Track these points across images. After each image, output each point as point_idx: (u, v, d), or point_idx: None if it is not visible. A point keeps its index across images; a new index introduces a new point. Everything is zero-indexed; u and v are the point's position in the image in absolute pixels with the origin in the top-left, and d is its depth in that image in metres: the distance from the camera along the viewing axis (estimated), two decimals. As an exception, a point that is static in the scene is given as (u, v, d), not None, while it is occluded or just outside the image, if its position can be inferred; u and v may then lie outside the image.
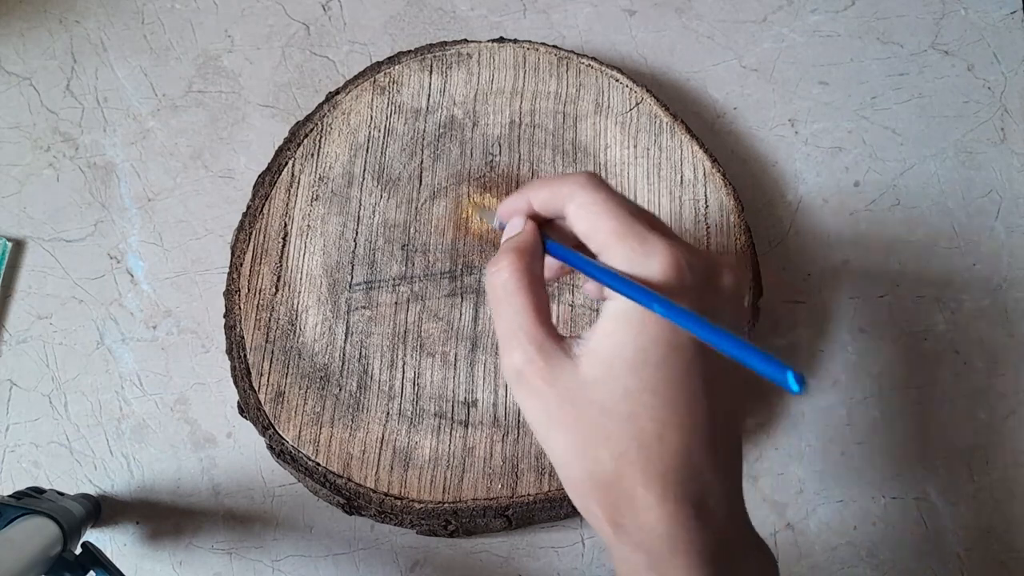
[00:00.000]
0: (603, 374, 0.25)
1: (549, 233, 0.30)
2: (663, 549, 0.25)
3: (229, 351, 0.43)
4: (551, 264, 0.32)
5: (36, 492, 0.40)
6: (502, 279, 0.28)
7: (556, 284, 0.44)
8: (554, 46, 0.49)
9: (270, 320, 0.43)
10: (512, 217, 0.31)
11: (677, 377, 0.25)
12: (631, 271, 0.25)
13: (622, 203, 0.27)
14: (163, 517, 0.43)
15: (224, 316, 0.44)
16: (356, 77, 0.48)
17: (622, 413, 0.25)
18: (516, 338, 0.27)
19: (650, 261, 0.25)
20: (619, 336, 0.25)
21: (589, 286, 0.32)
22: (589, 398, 0.26)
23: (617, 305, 0.25)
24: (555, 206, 0.29)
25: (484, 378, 0.42)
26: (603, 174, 0.46)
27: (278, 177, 0.46)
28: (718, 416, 0.26)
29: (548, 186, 0.29)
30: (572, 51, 0.48)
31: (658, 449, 0.25)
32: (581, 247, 0.29)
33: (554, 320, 0.43)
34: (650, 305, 0.24)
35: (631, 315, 0.25)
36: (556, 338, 0.27)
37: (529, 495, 0.40)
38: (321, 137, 0.47)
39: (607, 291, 0.26)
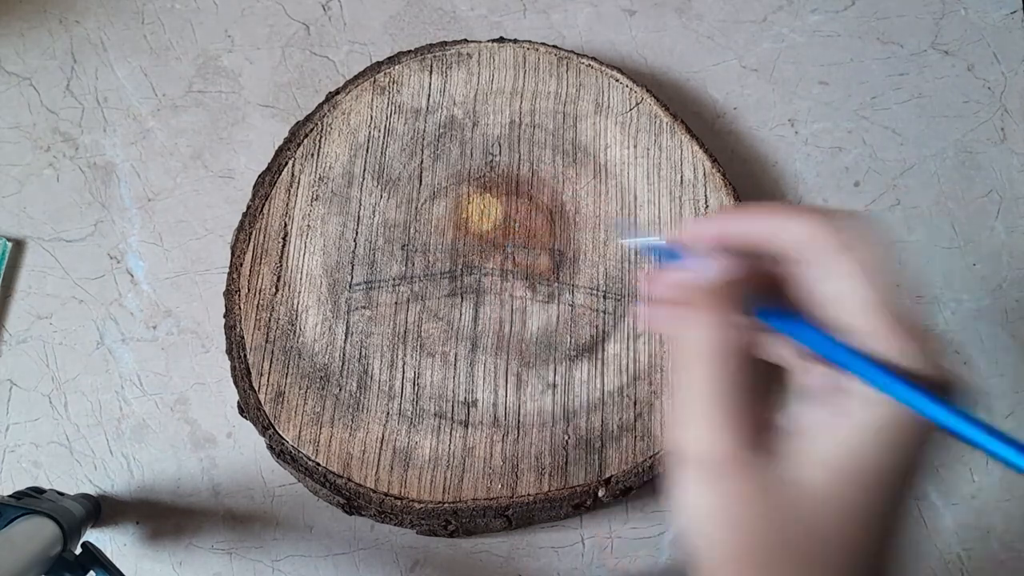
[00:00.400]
0: (823, 480, 0.21)
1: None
2: None
3: (229, 351, 0.43)
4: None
5: (36, 492, 0.40)
6: (716, 336, 0.22)
7: (557, 285, 0.44)
8: (554, 46, 0.49)
9: (270, 320, 0.43)
10: (701, 247, 0.24)
11: (896, 508, 0.22)
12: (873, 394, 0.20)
13: (881, 279, 0.21)
14: (163, 517, 0.43)
15: (224, 316, 0.44)
16: (356, 77, 0.48)
17: (830, 529, 0.21)
18: (716, 425, 0.21)
19: (907, 364, 0.20)
20: (868, 448, 0.20)
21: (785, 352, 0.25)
22: (818, 511, 0.21)
23: (865, 416, 0.20)
24: (772, 246, 0.22)
25: (484, 378, 0.42)
26: (603, 174, 0.46)
27: (278, 177, 0.46)
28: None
29: (769, 218, 0.22)
30: (572, 51, 0.48)
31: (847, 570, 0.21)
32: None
33: (553, 322, 0.43)
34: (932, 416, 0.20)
35: (881, 432, 0.20)
36: (759, 430, 0.21)
37: (529, 495, 0.40)
38: (321, 137, 0.47)
39: (834, 383, 0.21)
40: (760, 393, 0.22)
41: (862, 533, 0.21)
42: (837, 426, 0.21)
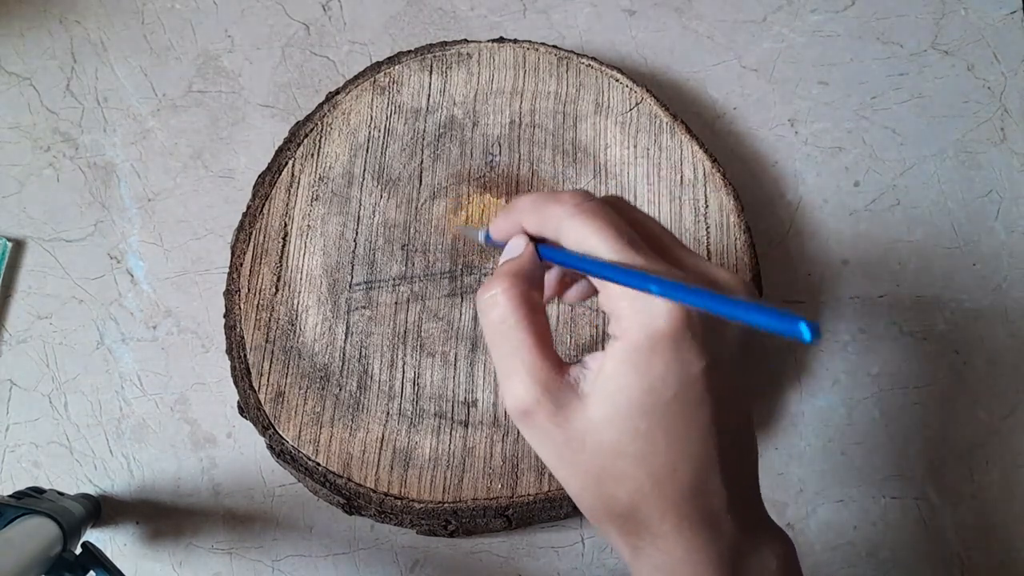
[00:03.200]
0: (612, 414, 0.25)
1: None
2: (681, 568, 0.26)
3: (229, 351, 0.43)
4: (549, 282, 0.30)
5: (36, 492, 0.40)
6: (499, 313, 0.26)
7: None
8: (554, 46, 0.49)
9: (270, 320, 0.43)
10: (508, 237, 0.29)
11: (689, 413, 0.25)
12: (636, 314, 0.24)
13: (618, 234, 0.25)
14: (163, 517, 0.43)
15: (224, 316, 0.44)
16: (356, 77, 0.48)
17: (634, 454, 0.25)
18: (518, 376, 0.26)
19: (654, 302, 0.24)
20: (627, 376, 0.24)
21: (571, 293, 0.31)
22: (599, 440, 0.25)
23: (622, 344, 0.25)
24: (548, 234, 0.27)
25: (484, 378, 0.42)
26: (603, 174, 0.46)
27: (278, 177, 0.46)
28: (730, 435, 0.26)
29: (537, 211, 0.27)
30: (572, 51, 0.48)
31: (672, 483, 0.25)
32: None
33: (553, 322, 0.43)
34: (646, 287, 0.24)
35: (638, 352, 0.24)
36: (560, 373, 0.26)
37: (529, 495, 0.40)
38: (321, 137, 0.47)
39: (610, 314, 0.25)
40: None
41: (648, 445, 0.25)
42: (610, 362, 0.25)
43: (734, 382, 0.26)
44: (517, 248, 0.28)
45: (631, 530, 0.26)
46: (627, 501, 0.26)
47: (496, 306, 0.26)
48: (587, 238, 0.25)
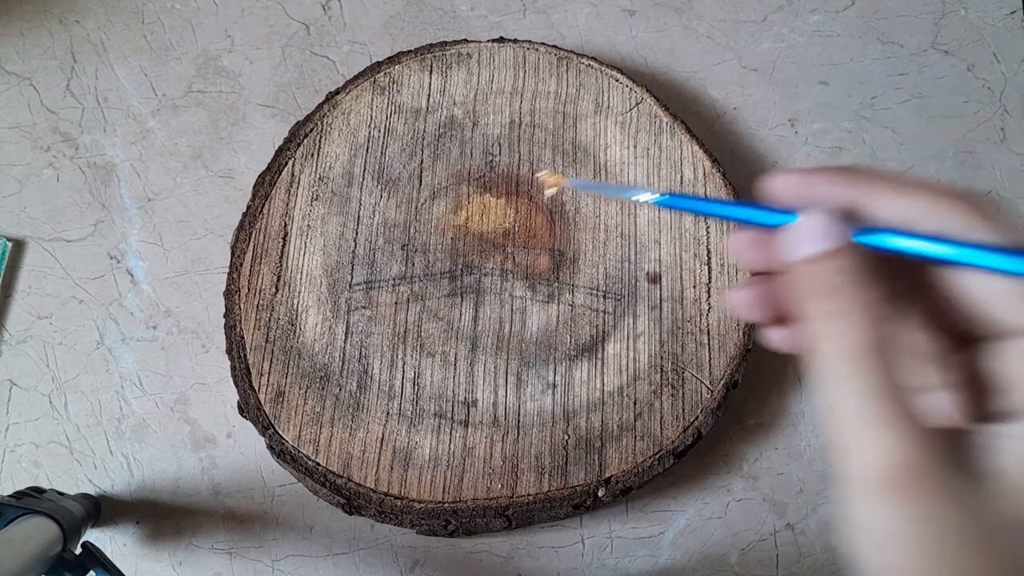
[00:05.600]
0: None
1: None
2: None
3: (229, 351, 0.43)
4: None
5: (36, 492, 0.40)
6: (855, 339, 0.18)
7: (557, 285, 0.44)
8: (554, 46, 0.49)
9: (270, 320, 0.43)
10: (807, 206, 0.20)
11: None
12: None
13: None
14: (163, 517, 0.43)
15: (224, 316, 0.44)
16: (356, 77, 0.48)
17: None
18: (888, 430, 0.17)
19: None
20: None
21: (775, 335, 0.23)
22: (1010, 543, 0.17)
23: None
24: (876, 211, 0.19)
25: (484, 378, 0.42)
26: (603, 174, 0.46)
27: (278, 177, 0.46)
28: None
29: (869, 181, 0.19)
30: (572, 51, 0.48)
31: None
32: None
33: (552, 322, 0.43)
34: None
35: None
36: (941, 436, 0.18)
37: (529, 495, 0.40)
38: (321, 137, 0.47)
39: (1009, 385, 0.18)
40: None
41: None
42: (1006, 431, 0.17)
43: None
44: (823, 237, 0.19)
45: None
46: None
47: (839, 335, 0.19)
48: (962, 225, 0.18)
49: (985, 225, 0.18)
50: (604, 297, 0.43)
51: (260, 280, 0.44)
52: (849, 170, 0.20)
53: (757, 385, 0.45)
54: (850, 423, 0.18)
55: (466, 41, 0.49)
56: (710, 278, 0.44)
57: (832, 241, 0.19)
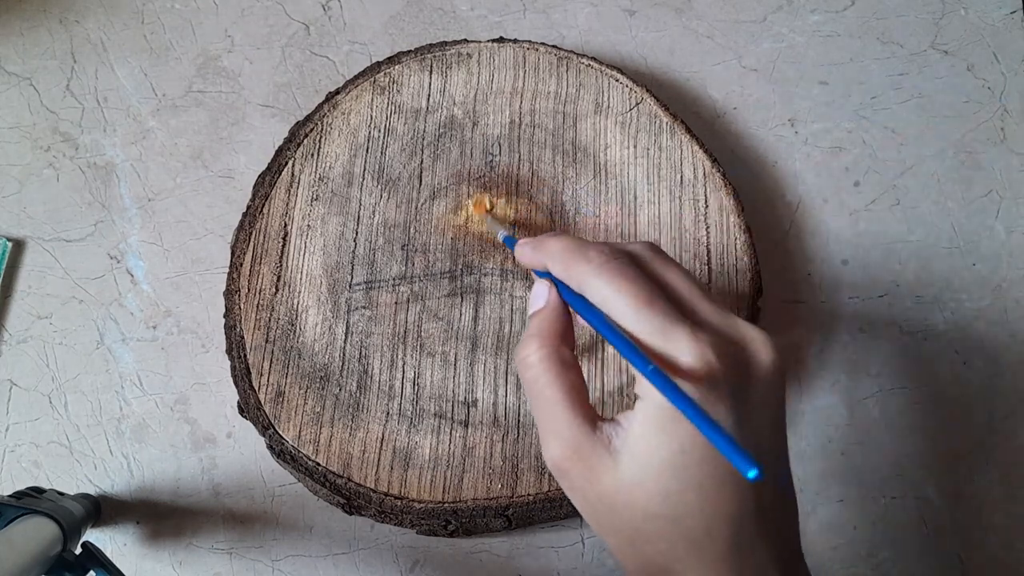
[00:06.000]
0: (642, 476, 0.24)
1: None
2: None
3: (229, 351, 0.43)
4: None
5: (36, 492, 0.40)
6: (532, 374, 0.27)
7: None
8: (554, 46, 0.49)
9: (270, 320, 0.43)
10: (532, 267, 0.30)
11: (721, 472, 0.24)
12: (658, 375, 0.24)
13: (638, 295, 0.25)
14: (163, 517, 0.43)
15: (224, 316, 0.44)
16: (356, 77, 0.48)
17: (666, 515, 0.24)
18: (553, 434, 0.26)
19: (678, 359, 0.24)
20: (655, 437, 0.24)
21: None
22: (631, 501, 0.25)
23: (647, 405, 0.24)
24: (573, 285, 0.28)
25: (484, 378, 0.42)
26: (603, 174, 0.46)
27: (278, 177, 0.46)
28: (766, 491, 0.25)
29: (564, 262, 0.28)
30: (572, 51, 0.48)
31: (708, 544, 0.24)
32: None
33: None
34: (641, 368, 0.24)
35: (663, 413, 0.24)
36: (593, 429, 0.26)
37: (529, 495, 0.40)
38: (321, 137, 0.47)
39: (637, 376, 0.25)
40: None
41: (681, 507, 0.24)
42: (638, 424, 0.25)
43: (766, 432, 0.26)
44: (541, 296, 0.29)
45: None
46: (663, 562, 0.25)
47: (529, 367, 0.27)
48: (609, 298, 0.26)
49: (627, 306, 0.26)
50: (604, 297, 0.43)
51: (260, 280, 0.44)
52: (555, 250, 0.29)
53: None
54: (539, 432, 0.27)
55: (466, 41, 0.49)
56: (710, 278, 0.44)
57: (544, 302, 0.29)
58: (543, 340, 0.27)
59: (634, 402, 0.25)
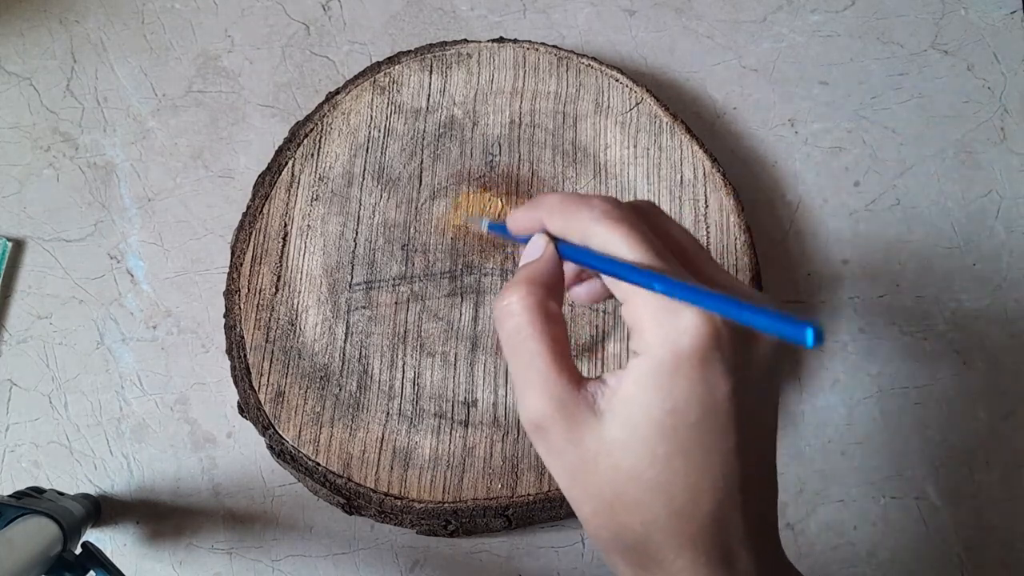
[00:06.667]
0: (629, 436, 0.23)
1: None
2: None
3: (229, 351, 0.43)
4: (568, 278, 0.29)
5: (36, 492, 0.40)
6: (514, 323, 0.25)
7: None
8: (554, 46, 0.49)
9: (270, 320, 0.43)
10: (528, 233, 0.28)
11: (712, 439, 0.23)
12: (659, 328, 0.23)
13: (644, 242, 0.24)
14: (163, 517, 0.43)
15: (224, 316, 0.44)
16: (356, 77, 0.48)
17: (651, 480, 0.23)
18: (534, 389, 0.24)
19: (680, 317, 0.23)
20: (647, 396, 0.23)
21: (579, 290, 0.30)
22: (613, 463, 0.24)
23: (643, 361, 0.23)
24: (573, 236, 0.26)
25: (484, 378, 0.42)
26: (603, 174, 0.46)
27: (278, 177, 0.46)
28: (754, 464, 0.25)
29: (564, 211, 0.26)
30: (572, 51, 0.48)
31: (691, 515, 0.23)
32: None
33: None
34: (651, 285, 0.23)
35: (661, 371, 0.23)
36: (577, 386, 0.24)
37: (529, 495, 0.40)
38: (321, 137, 0.47)
39: (633, 328, 0.24)
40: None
41: (667, 472, 0.23)
42: (630, 382, 0.23)
43: (761, 407, 0.25)
44: (537, 249, 0.27)
45: (640, 562, 0.25)
46: (640, 531, 0.24)
47: (511, 316, 0.25)
48: (614, 244, 0.24)
49: (627, 245, 0.24)
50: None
51: (260, 280, 0.44)
52: (553, 202, 0.27)
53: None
54: (515, 388, 0.25)
55: (466, 41, 0.49)
56: (710, 278, 0.44)
57: (539, 252, 0.27)
58: (531, 287, 0.25)
59: (628, 360, 0.24)
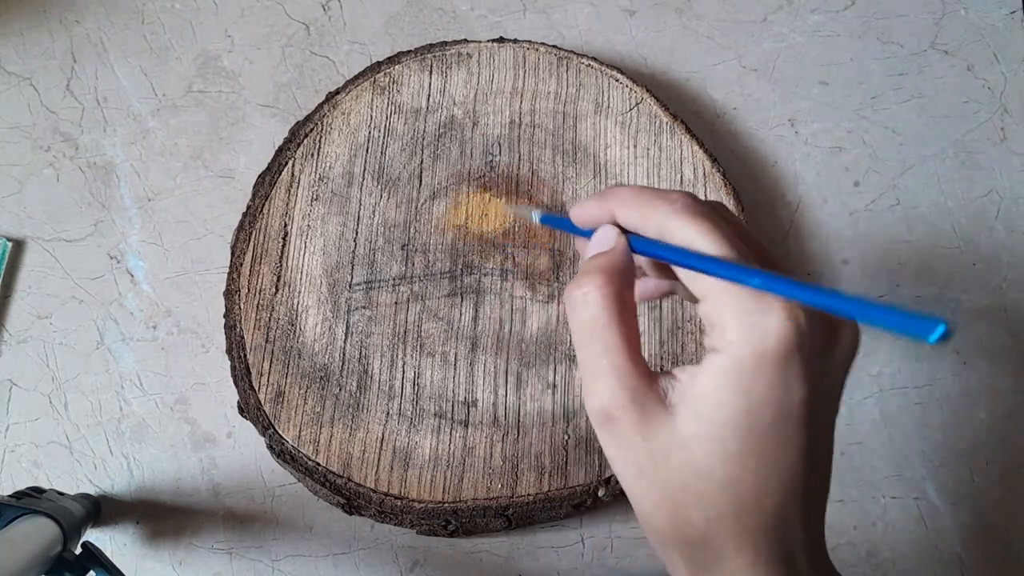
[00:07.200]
0: (703, 432, 0.23)
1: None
2: None
3: (229, 351, 0.43)
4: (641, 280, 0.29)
5: (36, 492, 0.40)
6: (590, 313, 0.25)
7: (557, 285, 0.44)
8: (554, 46, 0.49)
9: (270, 320, 0.43)
10: (594, 225, 0.27)
11: (784, 440, 0.23)
12: (743, 327, 0.23)
13: (732, 238, 0.24)
14: (163, 517, 0.43)
15: (224, 316, 0.44)
16: (356, 77, 0.48)
17: (721, 477, 0.23)
18: (606, 378, 0.24)
19: (765, 318, 0.22)
20: (724, 394, 0.23)
21: (650, 284, 0.30)
22: (685, 457, 0.23)
23: (724, 358, 0.23)
24: (648, 230, 0.25)
25: (484, 378, 0.42)
26: (603, 174, 0.46)
27: (278, 177, 0.46)
28: (817, 469, 0.25)
29: (639, 204, 0.26)
30: (572, 51, 0.48)
31: (756, 513, 0.23)
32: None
33: (554, 321, 0.43)
34: (750, 282, 0.22)
35: (741, 370, 0.22)
36: (650, 381, 0.24)
37: (529, 495, 0.40)
38: (321, 137, 0.47)
39: (712, 324, 0.23)
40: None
41: (739, 470, 0.23)
42: (706, 376, 0.23)
43: (829, 413, 0.25)
44: (608, 240, 0.26)
45: (700, 560, 0.24)
46: (703, 528, 0.24)
47: (588, 305, 0.25)
48: (698, 239, 0.24)
49: (709, 239, 0.24)
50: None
51: (260, 280, 0.44)
52: (626, 195, 0.26)
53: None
54: (584, 377, 0.25)
55: (466, 41, 0.49)
56: (710, 278, 0.44)
57: (611, 244, 0.26)
58: (608, 278, 0.25)
59: (704, 356, 0.24)
